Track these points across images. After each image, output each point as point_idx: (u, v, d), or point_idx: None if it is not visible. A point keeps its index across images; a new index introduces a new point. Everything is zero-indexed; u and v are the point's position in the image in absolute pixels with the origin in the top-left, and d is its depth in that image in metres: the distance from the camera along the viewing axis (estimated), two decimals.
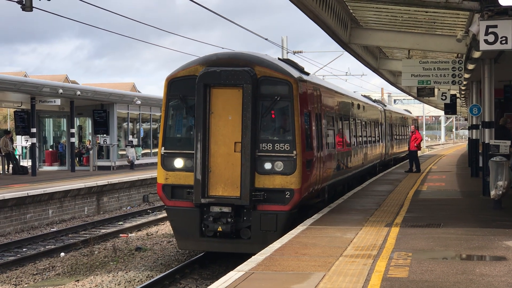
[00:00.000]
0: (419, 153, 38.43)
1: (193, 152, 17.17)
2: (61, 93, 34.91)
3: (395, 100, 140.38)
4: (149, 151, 46.56)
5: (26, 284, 17.29)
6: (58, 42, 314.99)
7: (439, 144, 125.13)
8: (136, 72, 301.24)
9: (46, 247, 22.58)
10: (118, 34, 52.46)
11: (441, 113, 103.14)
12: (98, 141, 41.24)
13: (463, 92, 41.86)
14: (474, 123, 32.88)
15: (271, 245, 13.55)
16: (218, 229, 17.05)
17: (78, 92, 36.57)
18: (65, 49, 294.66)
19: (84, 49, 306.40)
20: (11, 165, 37.76)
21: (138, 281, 16.68)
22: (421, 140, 35.48)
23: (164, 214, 28.61)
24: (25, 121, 38.86)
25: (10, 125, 76.73)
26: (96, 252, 21.05)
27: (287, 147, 17.06)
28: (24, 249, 22.27)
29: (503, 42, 14.55)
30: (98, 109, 41.02)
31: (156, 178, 18.35)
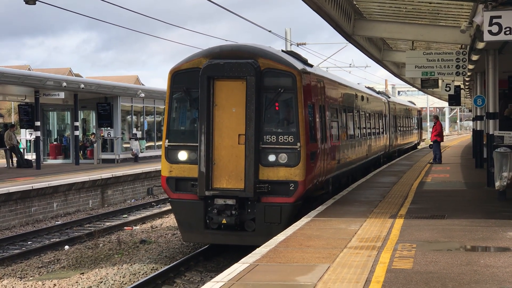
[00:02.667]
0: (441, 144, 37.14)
1: (197, 144, 17.17)
2: (64, 86, 34.92)
3: (399, 92, 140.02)
4: (153, 144, 46.58)
5: (31, 277, 17.32)
6: (65, 35, 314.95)
7: (444, 135, 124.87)
8: (142, 65, 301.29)
9: (51, 240, 22.63)
10: (124, 28, 52.43)
11: (445, 104, 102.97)
12: (102, 134, 41.26)
13: (467, 83, 41.78)
14: (478, 114, 32.82)
15: (275, 237, 13.56)
16: (223, 222, 17.07)
17: (82, 85, 36.57)
18: (72, 43, 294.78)
19: (91, 42, 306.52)
20: (15, 159, 37.81)
21: (142, 274, 16.71)
22: (439, 131, 34.79)
23: (168, 206, 28.63)
24: (29, 115, 38.90)
25: (14, 118, 76.82)
26: (100, 245, 21.08)
27: (291, 139, 17.05)
28: (29, 242, 22.32)
29: (507, 32, 14.50)
30: (102, 102, 41.01)
31: (160, 170, 18.37)
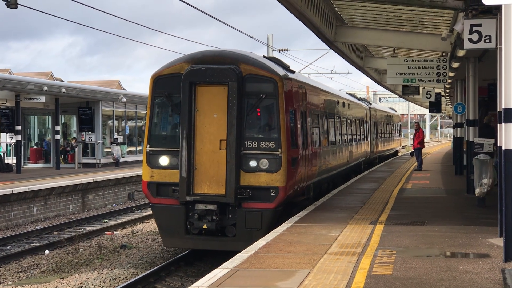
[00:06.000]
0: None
1: (178, 149, 17.18)
2: (46, 91, 34.79)
3: (380, 98, 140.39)
4: (135, 148, 46.49)
5: (10, 281, 17.23)
6: (51, 39, 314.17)
7: (424, 142, 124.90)
8: (127, 69, 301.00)
9: (31, 244, 22.51)
10: (109, 33, 52.46)
11: (426, 111, 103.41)
12: (83, 139, 41.16)
13: (447, 91, 42.02)
14: (458, 121, 33.05)
15: (256, 243, 13.58)
16: (203, 227, 17.08)
17: (63, 90, 36.46)
18: (57, 46, 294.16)
19: (77, 46, 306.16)
20: None
21: (123, 279, 16.67)
22: (421, 138, 35.12)
23: (149, 211, 28.58)
24: (10, 118, 38.69)
25: None
26: (81, 249, 21.01)
27: (272, 145, 17.09)
28: (8, 247, 22.19)
29: (487, 41, 14.61)
30: (83, 106, 40.92)
31: (141, 175, 18.35)
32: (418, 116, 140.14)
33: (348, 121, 30.01)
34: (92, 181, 31.55)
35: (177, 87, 17.32)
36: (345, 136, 28.84)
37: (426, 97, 31.54)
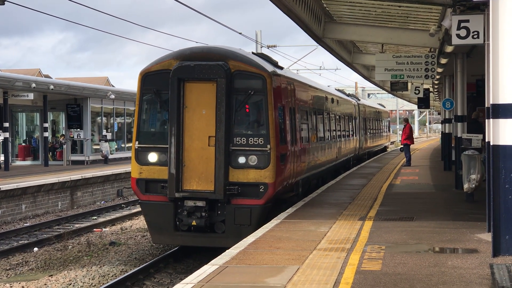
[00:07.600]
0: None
1: (167, 146, 17.15)
2: (34, 87, 34.68)
3: (369, 94, 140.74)
4: (123, 145, 46.40)
5: None
6: (41, 36, 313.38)
7: (413, 138, 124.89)
8: (117, 66, 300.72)
9: (19, 242, 22.45)
10: (99, 30, 52.34)
11: (414, 107, 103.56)
12: (72, 136, 41.06)
13: (436, 86, 42.11)
14: (447, 117, 33.11)
15: (245, 239, 13.58)
16: (193, 223, 17.06)
17: (51, 87, 36.35)
18: (47, 43, 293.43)
19: (67, 43, 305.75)
20: None
21: (112, 276, 16.65)
22: (408, 134, 35.13)
23: (138, 208, 28.54)
24: None
25: None
26: (70, 247, 20.97)
27: (261, 141, 17.09)
28: None
29: (475, 36, 14.65)
30: (72, 103, 40.84)
31: (130, 172, 18.32)
32: (407, 112, 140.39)
33: (337, 117, 30.04)
34: (80, 178, 31.48)
35: (165, 83, 17.29)
36: (334, 132, 28.87)
37: (415, 93, 31.60)
